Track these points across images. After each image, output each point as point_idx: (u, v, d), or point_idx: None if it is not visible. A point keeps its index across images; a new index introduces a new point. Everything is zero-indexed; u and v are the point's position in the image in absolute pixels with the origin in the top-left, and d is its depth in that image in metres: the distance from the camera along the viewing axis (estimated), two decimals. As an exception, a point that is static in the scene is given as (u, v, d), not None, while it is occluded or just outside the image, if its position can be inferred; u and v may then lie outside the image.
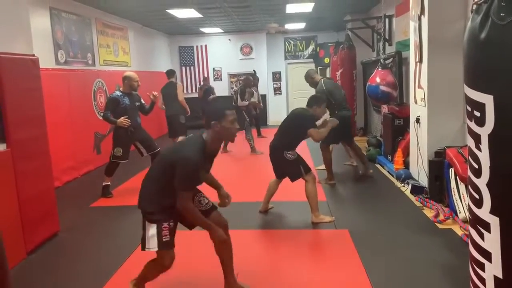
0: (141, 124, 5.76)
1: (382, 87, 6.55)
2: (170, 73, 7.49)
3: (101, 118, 7.84)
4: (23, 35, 4.11)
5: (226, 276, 2.95)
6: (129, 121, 5.44)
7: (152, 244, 2.67)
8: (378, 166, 6.95)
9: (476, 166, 2.09)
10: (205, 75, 13.26)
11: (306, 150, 8.13)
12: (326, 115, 5.68)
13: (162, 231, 2.66)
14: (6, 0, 3.88)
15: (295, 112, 4.72)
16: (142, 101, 5.78)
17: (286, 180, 4.66)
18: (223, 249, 2.87)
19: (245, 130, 8.47)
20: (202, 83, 12.52)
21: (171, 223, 2.70)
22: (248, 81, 9.05)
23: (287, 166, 4.49)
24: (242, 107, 8.53)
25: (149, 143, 5.78)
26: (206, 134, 2.71)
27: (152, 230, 2.67)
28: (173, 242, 2.73)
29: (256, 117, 10.38)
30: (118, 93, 5.55)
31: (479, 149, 2.06)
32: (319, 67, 13.48)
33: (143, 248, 2.73)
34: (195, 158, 2.56)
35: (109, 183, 5.71)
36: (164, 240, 2.66)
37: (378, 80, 6.52)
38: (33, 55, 4.16)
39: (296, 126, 4.55)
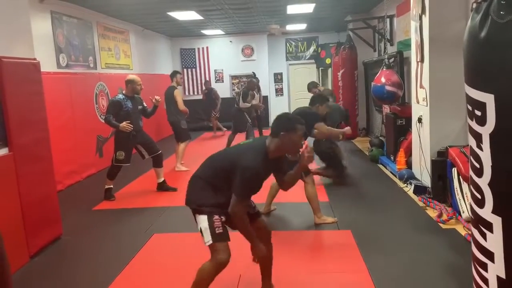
0: (142, 127, 5.77)
1: (388, 87, 6.53)
2: (171, 75, 7.46)
3: (103, 121, 7.87)
4: (24, 39, 4.12)
5: (263, 279, 2.95)
6: (132, 126, 5.43)
7: (207, 238, 2.59)
8: (380, 166, 6.93)
9: (478, 166, 2.08)
10: (207, 76, 13.27)
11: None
12: None
13: (214, 223, 2.59)
14: (7, 4, 3.89)
15: (297, 111, 4.71)
16: (144, 104, 5.79)
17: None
18: (263, 261, 2.83)
19: (247, 131, 8.48)
20: (204, 87, 12.54)
21: (222, 217, 2.63)
22: (252, 84, 9.07)
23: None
24: (244, 109, 8.54)
25: (150, 145, 5.79)
26: (269, 141, 2.63)
27: (203, 222, 2.61)
28: (228, 235, 2.64)
29: (258, 118, 10.38)
30: (121, 96, 5.54)
31: (481, 149, 2.05)
32: (320, 68, 13.50)
33: (206, 242, 2.64)
34: (255, 166, 2.52)
35: (111, 186, 5.72)
36: (217, 231, 2.58)
37: (383, 80, 6.51)
38: (35, 59, 4.17)
39: None
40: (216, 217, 2.61)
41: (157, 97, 5.78)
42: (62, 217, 4.45)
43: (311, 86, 6.92)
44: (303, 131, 2.66)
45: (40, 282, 3.50)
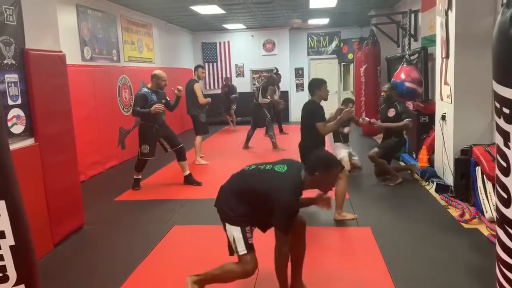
0: (165, 120, 5.87)
1: (407, 84, 6.44)
2: (194, 69, 7.53)
3: (126, 114, 7.98)
4: (50, 32, 4.20)
5: (293, 277, 2.94)
6: (163, 106, 5.56)
7: (241, 248, 2.63)
8: (402, 163, 6.84)
9: (505, 165, 2.03)
10: (228, 71, 13.30)
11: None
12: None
13: (246, 233, 2.64)
14: (35, -2, 3.97)
15: (304, 109, 4.53)
16: (168, 98, 5.88)
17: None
18: (294, 258, 2.87)
19: (267, 127, 8.47)
20: (224, 82, 12.55)
21: (252, 227, 2.71)
22: (272, 79, 9.05)
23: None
24: (264, 104, 8.53)
25: (173, 139, 5.88)
26: (304, 176, 2.64)
27: (236, 233, 2.64)
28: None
29: (277, 113, 10.35)
30: (146, 89, 5.67)
31: (508, 147, 2.00)
32: (342, 63, 13.38)
33: (232, 253, 2.71)
34: (295, 201, 2.59)
35: (139, 176, 5.90)
36: (250, 242, 2.64)
37: (403, 76, 6.40)
38: (60, 51, 4.25)
39: (310, 122, 4.40)
40: (248, 228, 2.66)
41: (179, 87, 5.86)
42: (84, 207, 4.54)
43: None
44: (338, 172, 2.75)
45: (64, 270, 3.58)
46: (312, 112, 4.40)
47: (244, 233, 2.63)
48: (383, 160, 5.71)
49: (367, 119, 6.03)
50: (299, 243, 2.87)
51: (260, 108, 8.50)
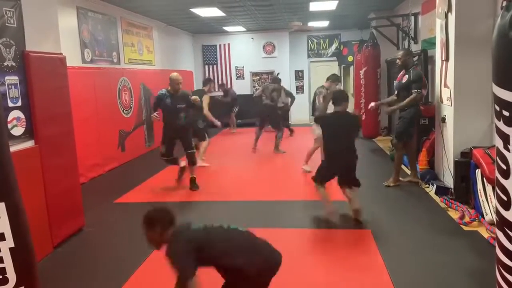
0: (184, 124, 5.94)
1: None
2: (204, 82, 7.78)
3: (126, 116, 8.02)
4: (51, 34, 4.21)
5: None
6: (157, 116, 5.83)
7: None
8: (402, 166, 6.83)
9: (504, 167, 2.03)
10: (228, 73, 13.29)
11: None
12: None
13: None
14: (36, 0, 3.97)
15: (348, 120, 4.58)
16: (190, 100, 5.89)
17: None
18: None
19: (278, 129, 8.47)
20: (219, 89, 12.48)
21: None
22: (278, 80, 9.11)
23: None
24: (280, 106, 8.62)
25: (187, 143, 5.99)
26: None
27: None
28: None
29: (284, 117, 10.33)
30: (163, 91, 5.80)
31: (508, 150, 2.00)
32: (342, 66, 13.38)
33: None
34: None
35: (182, 165, 6.15)
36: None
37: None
38: (61, 53, 4.26)
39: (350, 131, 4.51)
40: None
41: (194, 97, 6.04)
42: (84, 209, 4.54)
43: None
44: None
45: (63, 272, 3.58)
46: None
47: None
48: (404, 151, 5.74)
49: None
50: None
51: (276, 110, 8.55)
